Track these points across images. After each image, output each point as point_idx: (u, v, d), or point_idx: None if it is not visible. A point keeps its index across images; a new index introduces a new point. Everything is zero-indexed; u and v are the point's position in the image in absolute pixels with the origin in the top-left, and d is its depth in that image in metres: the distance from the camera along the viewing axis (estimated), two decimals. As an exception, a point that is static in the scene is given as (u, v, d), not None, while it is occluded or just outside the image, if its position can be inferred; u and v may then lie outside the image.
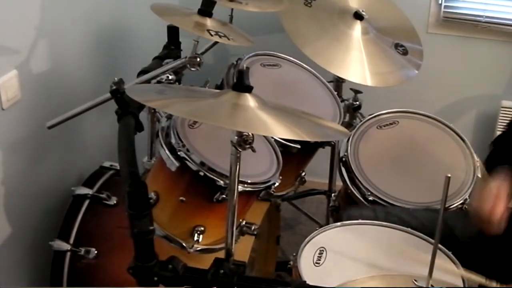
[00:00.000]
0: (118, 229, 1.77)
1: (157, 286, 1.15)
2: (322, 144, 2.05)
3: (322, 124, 1.34)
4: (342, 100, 2.12)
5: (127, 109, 1.43)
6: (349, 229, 1.54)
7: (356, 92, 2.11)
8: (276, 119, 1.15)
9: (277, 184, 1.63)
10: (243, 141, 1.15)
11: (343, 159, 1.86)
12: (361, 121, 2.01)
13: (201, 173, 1.47)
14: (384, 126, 1.97)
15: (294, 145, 1.83)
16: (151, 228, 1.12)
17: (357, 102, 2.12)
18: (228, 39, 1.66)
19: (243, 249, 1.67)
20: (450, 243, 1.43)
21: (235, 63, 2.01)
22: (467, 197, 1.76)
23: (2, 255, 1.75)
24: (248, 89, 1.19)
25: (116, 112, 1.45)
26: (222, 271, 1.16)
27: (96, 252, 1.75)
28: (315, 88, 2.10)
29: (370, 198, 1.75)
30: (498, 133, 2.57)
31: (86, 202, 1.83)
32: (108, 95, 1.49)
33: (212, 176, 1.47)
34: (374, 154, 1.89)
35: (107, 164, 2.02)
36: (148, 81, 1.76)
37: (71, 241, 1.77)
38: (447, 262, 1.40)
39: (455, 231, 1.60)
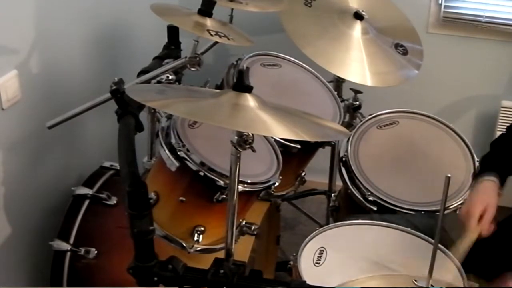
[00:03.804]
0: (118, 229, 1.77)
1: (157, 286, 1.15)
2: (322, 144, 2.05)
3: (322, 124, 1.34)
4: (342, 100, 2.12)
5: (127, 109, 1.43)
6: (349, 229, 1.54)
7: (356, 92, 2.11)
8: (276, 119, 1.15)
9: (277, 184, 1.63)
10: (243, 141, 1.15)
11: (343, 159, 1.86)
12: (361, 121, 2.01)
13: (201, 173, 1.47)
14: (384, 126, 1.98)
15: (294, 145, 1.83)
16: (151, 228, 1.12)
17: (357, 102, 2.12)
18: (228, 39, 1.67)
19: (243, 249, 1.67)
20: (447, 247, 1.43)
21: (235, 63, 2.01)
22: (466, 197, 1.76)
23: (2, 255, 1.75)
24: (248, 89, 1.19)
25: (116, 112, 1.45)
26: (222, 271, 1.16)
27: (96, 252, 1.75)
28: (315, 88, 2.10)
29: (370, 198, 1.75)
30: (498, 133, 2.57)
31: (86, 202, 1.83)
32: (108, 95, 1.49)
33: (212, 176, 1.47)
34: (374, 154, 1.89)
35: (107, 164, 2.02)
36: (148, 81, 1.76)
37: (71, 241, 1.77)
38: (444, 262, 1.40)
39: (451, 235, 1.60)
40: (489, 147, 1.68)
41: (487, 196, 1.49)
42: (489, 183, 1.53)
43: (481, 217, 1.46)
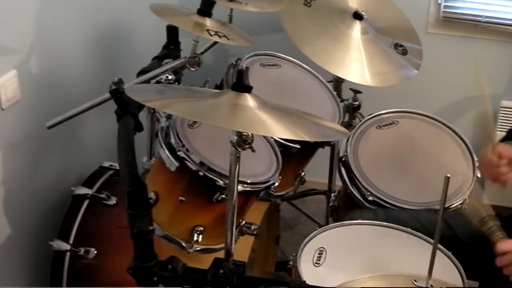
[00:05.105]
0: (117, 229, 1.77)
1: (157, 286, 1.15)
2: (321, 144, 2.05)
3: (322, 124, 1.34)
4: (342, 100, 2.12)
5: (126, 109, 1.43)
6: (348, 229, 1.54)
7: (356, 92, 2.11)
8: (276, 119, 1.15)
9: (276, 184, 1.63)
10: (243, 141, 1.15)
11: (343, 159, 1.86)
12: (360, 121, 2.01)
13: (201, 173, 1.47)
14: (384, 126, 1.97)
15: (293, 145, 1.83)
16: (151, 228, 1.12)
17: (357, 102, 2.12)
18: (228, 39, 1.67)
19: (242, 249, 1.67)
20: (452, 243, 1.43)
21: (234, 63, 2.01)
22: (466, 197, 1.76)
23: (2, 255, 1.75)
24: (248, 89, 1.19)
25: (115, 112, 1.45)
26: (221, 271, 1.16)
27: (95, 252, 1.75)
28: (315, 88, 2.10)
29: (370, 198, 1.75)
30: (498, 133, 2.57)
31: (86, 202, 1.83)
32: (108, 95, 1.49)
33: (211, 176, 1.47)
34: (373, 154, 1.89)
35: (106, 164, 2.02)
36: (147, 81, 1.76)
37: (71, 241, 1.77)
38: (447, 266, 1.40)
39: (456, 231, 1.61)
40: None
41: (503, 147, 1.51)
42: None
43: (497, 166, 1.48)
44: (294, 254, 1.40)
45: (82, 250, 1.76)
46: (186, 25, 1.68)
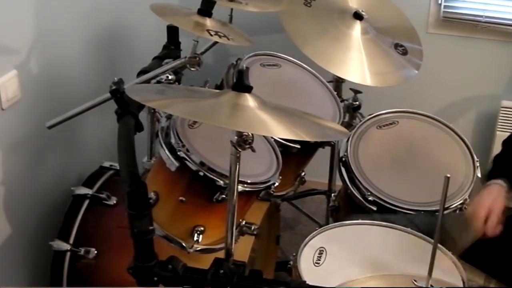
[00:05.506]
0: (118, 229, 1.77)
1: (157, 286, 1.15)
2: (322, 144, 2.05)
3: (322, 124, 1.34)
4: (342, 100, 2.12)
5: (127, 109, 1.43)
6: (349, 229, 1.54)
7: (356, 92, 2.11)
8: (276, 119, 1.16)
9: (277, 184, 1.63)
10: (243, 141, 1.15)
11: (343, 159, 1.86)
12: (360, 121, 2.01)
13: (201, 173, 1.47)
14: (384, 126, 1.97)
15: (294, 145, 1.83)
16: (151, 228, 1.12)
17: (357, 102, 2.12)
18: (228, 39, 1.67)
19: (243, 249, 1.67)
20: (448, 247, 1.43)
21: (234, 63, 2.01)
22: (466, 197, 1.76)
23: (2, 255, 1.75)
24: (248, 89, 1.19)
25: (116, 112, 1.45)
26: (222, 271, 1.16)
27: (96, 252, 1.75)
28: (315, 88, 2.10)
29: (370, 198, 1.75)
30: (498, 133, 2.57)
31: (86, 202, 1.84)
32: (108, 95, 1.49)
33: (211, 176, 1.47)
34: (373, 154, 1.89)
35: (107, 164, 2.02)
36: (148, 81, 1.76)
37: (71, 241, 1.77)
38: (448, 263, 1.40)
39: (452, 235, 1.60)
40: (491, 163, 1.70)
41: (493, 199, 1.52)
42: (496, 187, 1.56)
43: (486, 219, 1.49)
44: (294, 254, 1.40)
45: (82, 250, 1.76)
46: (187, 25, 1.68)
